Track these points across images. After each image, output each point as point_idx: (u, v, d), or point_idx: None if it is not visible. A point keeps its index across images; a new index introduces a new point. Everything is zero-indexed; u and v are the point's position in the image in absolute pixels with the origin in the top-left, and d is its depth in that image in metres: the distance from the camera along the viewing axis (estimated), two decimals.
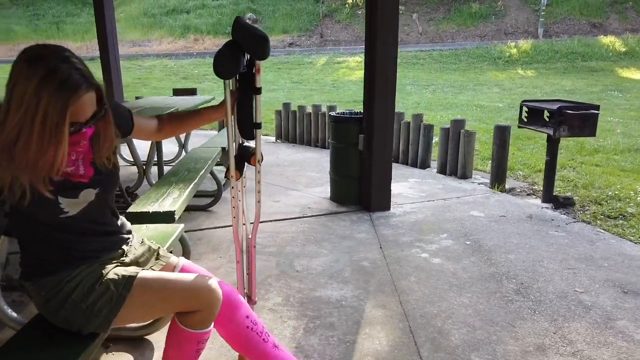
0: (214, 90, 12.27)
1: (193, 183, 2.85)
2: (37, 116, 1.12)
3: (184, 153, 5.08)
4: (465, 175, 4.84)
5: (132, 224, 2.27)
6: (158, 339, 2.11)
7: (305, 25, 21.19)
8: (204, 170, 3.18)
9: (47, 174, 1.20)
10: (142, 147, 5.09)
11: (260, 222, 3.56)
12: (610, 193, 4.18)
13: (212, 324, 1.49)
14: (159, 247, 1.66)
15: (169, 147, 6.20)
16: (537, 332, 2.20)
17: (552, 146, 3.90)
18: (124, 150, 5.47)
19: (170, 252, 1.82)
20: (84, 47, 19.53)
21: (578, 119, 3.64)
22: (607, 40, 16.58)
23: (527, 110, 4.08)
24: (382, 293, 2.57)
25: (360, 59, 15.53)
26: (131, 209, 2.38)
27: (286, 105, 6.88)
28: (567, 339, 2.15)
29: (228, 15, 21.83)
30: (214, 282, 1.45)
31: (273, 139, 7.13)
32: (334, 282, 2.68)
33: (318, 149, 6.33)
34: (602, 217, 3.70)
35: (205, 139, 4.97)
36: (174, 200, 2.52)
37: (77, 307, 1.34)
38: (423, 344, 2.11)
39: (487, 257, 2.99)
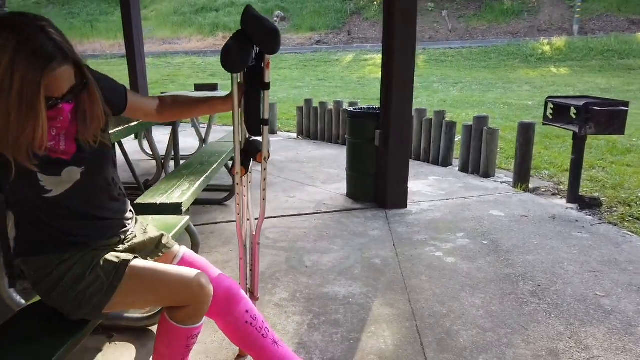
0: None
1: (204, 176, 2.85)
2: (12, 90, 1.08)
3: (204, 147, 5.11)
4: (487, 174, 4.71)
5: (139, 215, 2.29)
6: None
7: (333, 22, 21.13)
8: (217, 164, 3.17)
9: (29, 149, 1.16)
10: (163, 140, 5.16)
11: (274, 217, 3.58)
12: None
13: (202, 319, 1.46)
14: (161, 235, 1.60)
15: (191, 141, 6.27)
16: (551, 336, 2.10)
17: (579, 144, 3.74)
18: (144, 143, 5.55)
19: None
20: (116, 45, 20.00)
21: (605, 116, 3.47)
22: None
23: (552, 106, 3.93)
24: (391, 291, 2.50)
25: None
26: (139, 200, 2.39)
27: (308, 102, 6.85)
28: (582, 344, 2.04)
29: None
30: (204, 279, 1.41)
31: (294, 135, 7.11)
32: (343, 279, 2.63)
33: (339, 146, 6.27)
34: (630, 218, 3.53)
35: (226, 134, 4.98)
36: (182, 192, 2.52)
37: (67, 293, 1.33)
38: (429, 344, 2.05)
39: (504, 258, 2.89)
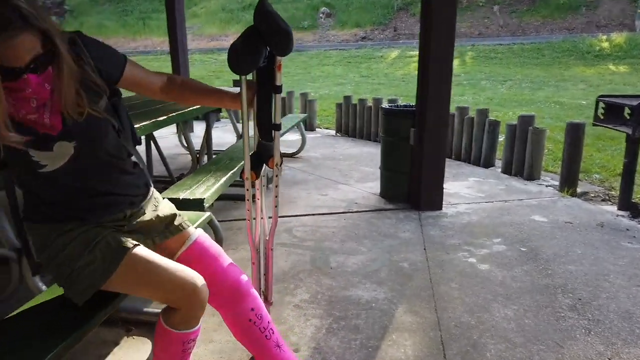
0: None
1: (231, 172, 2.83)
2: None
3: (237, 142, 5.13)
4: (532, 176, 4.46)
5: None
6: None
7: (379, 18, 20.86)
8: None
9: None
10: (200, 135, 5.21)
11: (303, 215, 3.52)
12: None
13: (198, 325, 1.41)
14: (174, 215, 1.54)
15: (229, 137, 6.33)
16: (589, 355, 1.93)
17: (632, 147, 3.46)
18: (183, 137, 5.63)
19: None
20: (166, 41, 20.58)
21: None
22: None
23: (604, 106, 3.66)
24: (418, 298, 2.39)
25: None
26: (163, 195, 2.39)
27: (347, 99, 6.75)
28: None
29: (302, 9, 22.06)
30: (200, 283, 1.34)
31: (333, 132, 7.04)
32: (368, 282, 2.54)
33: (377, 144, 6.13)
34: None
35: None
36: (207, 188, 2.51)
37: (64, 268, 1.31)
38: (453, 357, 1.92)
39: (544, 267, 2.70)
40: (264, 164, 1.64)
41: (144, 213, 1.47)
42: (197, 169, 2.96)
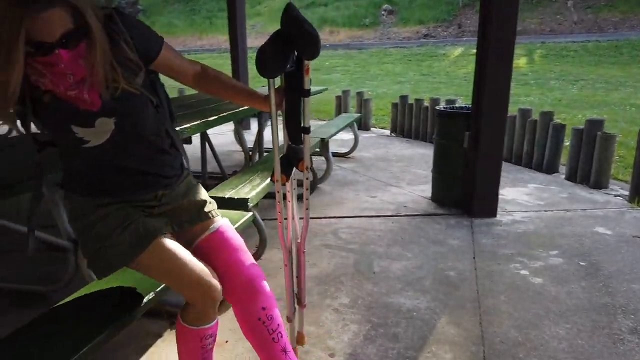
0: (340, 82, 12.42)
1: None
2: None
3: None
4: (599, 185, 4.17)
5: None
6: (222, 321, 2.14)
7: (443, 15, 20.34)
8: None
9: (5, 99, 1.12)
10: (253, 132, 5.30)
11: (350, 217, 3.49)
12: None
13: (213, 321, 1.43)
14: (205, 202, 1.54)
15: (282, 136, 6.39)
16: None
17: None
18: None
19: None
20: None
21: None
22: None
23: None
24: (462, 309, 2.30)
25: None
26: (210, 193, 2.45)
27: (403, 98, 6.63)
28: None
29: (364, 7, 21.92)
30: (214, 282, 1.37)
31: (387, 132, 6.94)
32: (411, 290, 2.47)
33: (432, 146, 5.95)
34: None
35: (313, 128, 5.00)
36: (252, 187, 2.54)
37: (92, 243, 1.36)
38: None
39: (604, 284, 2.52)
40: (294, 167, 1.63)
41: (176, 195, 1.49)
42: (248, 167, 3.01)
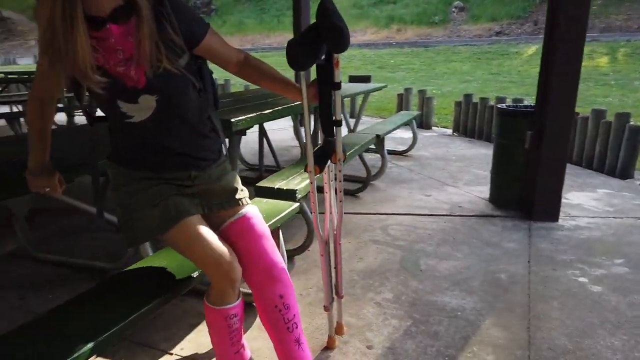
0: (404, 80, 12.26)
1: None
2: (56, 8, 1.12)
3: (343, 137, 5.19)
4: None
5: (258, 197, 2.43)
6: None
7: (517, 12, 19.46)
8: (346, 155, 3.19)
9: (79, 67, 1.19)
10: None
11: (401, 215, 3.47)
12: None
13: (236, 301, 1.48)
14: (236, 189, 1.58)
15: (343, 131, 6.42)
16: None
17: None
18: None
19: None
20: None
21: None
22: None
23: None
24: (510, 312, 2.22)
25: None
26: (260, 184, 2.54)
27: (467, 97, 6.45)
28: None
29: (434, 4, 21.45)
30: (234, 263, 1.43)
31: (449, 131, 6.78)
32: (457, 290, 2.42)
33: None
34: None
35: (366, 126, 4.99)
36: (302, 179, 2.60)
37: (125, 213, 1.45)
38: None
39: None
40: (329, 159, 1.65)
41: (210, 178, 1.53)
42: (300, 160, 3.08)
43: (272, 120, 2.92)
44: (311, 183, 1.70)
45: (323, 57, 1.50)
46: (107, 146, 1.52)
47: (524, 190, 3.48)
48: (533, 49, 15.49)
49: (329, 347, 1.95)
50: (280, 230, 2.18)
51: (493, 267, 2.67)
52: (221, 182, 1.55)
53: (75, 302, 1.48)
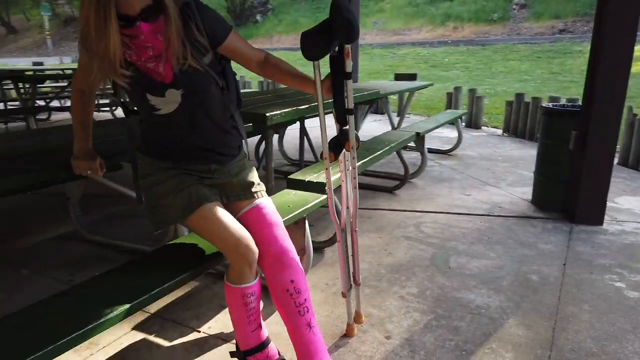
0: (457, 79, 12.01)
1: (361, 162, 2.94)
2: (91, 7, 1.23)
3: (381, 135, 5.19)
4: None
5: (289, 189, 2.53)
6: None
7: (584, 8, 18.46)
8: (381, 152, 3.23)
9: (109, 61, 1.31)
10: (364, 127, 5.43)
11: (438, 213, 3.46)
12: None
13: (253, 281, 1.57)
14: (252, 183, 1.68)
15: (386, 129, 6.43)
16: None
17: None
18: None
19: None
20: None
21: None
22: None
23: None
24: (537, 313, 2.19)
25: None
26: (292, 176, 2.63)
27: (519, 96, 6.26)
28: None
29: (493, 1, 20.78)
30: (251, 245, 1.51)
31: (499, 131, 6.60)
32: (484, 288, 2.41)
33: None
34: None
35: (409, 124, 4.98)
36: (333, 173, 2.66)
37: (152, 199, 1.58)
38: None
39: None
40: (343, 147, 1.71)
41: (228, 172, 1.65)
42: None
43: (308, 115, 3.01)
44: (326, 169, 1.77)
45: (336, 49, 1.58)
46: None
47: (568, 192, 3.37)
48: None
49: (347, 335, 2.01)
50: (306, 220, 2.26)
51: (525, 267, 2.63)
52: (239, 177, 1.67)
53: (116, 270, 1.63)
